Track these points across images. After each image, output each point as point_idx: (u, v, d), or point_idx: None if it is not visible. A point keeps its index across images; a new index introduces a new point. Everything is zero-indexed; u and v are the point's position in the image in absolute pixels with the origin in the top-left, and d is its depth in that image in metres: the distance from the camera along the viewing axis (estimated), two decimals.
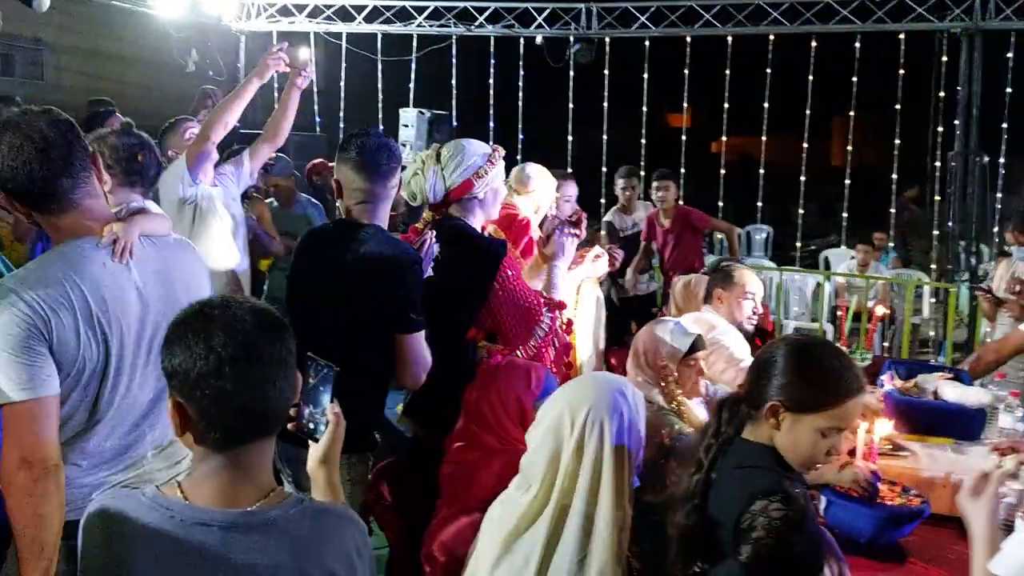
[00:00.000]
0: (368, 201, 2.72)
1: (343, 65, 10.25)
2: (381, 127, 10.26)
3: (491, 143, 3.17)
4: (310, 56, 4.33)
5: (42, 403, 1.88)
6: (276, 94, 4.59)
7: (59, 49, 11.96)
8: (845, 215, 9.93)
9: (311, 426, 1.69)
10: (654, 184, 6.86)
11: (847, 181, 9.68)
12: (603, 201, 9.87)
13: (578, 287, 3.77)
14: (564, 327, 3.22)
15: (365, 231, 2.70)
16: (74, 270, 1.96)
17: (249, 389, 1.43)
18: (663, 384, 2.90)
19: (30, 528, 1.83)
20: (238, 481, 1.47)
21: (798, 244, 10.19)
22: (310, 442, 1.70)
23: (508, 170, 3.54)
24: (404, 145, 9.65)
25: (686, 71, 9.82)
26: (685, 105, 9.98)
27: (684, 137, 10.01)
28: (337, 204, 2.86)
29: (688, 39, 9.55)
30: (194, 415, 1.43)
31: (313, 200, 6.46)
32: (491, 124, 10.19)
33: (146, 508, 1.45)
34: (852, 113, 9.55)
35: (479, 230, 3.10)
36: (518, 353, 2.95)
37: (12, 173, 1.93)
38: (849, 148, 9.85)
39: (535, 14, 9.70)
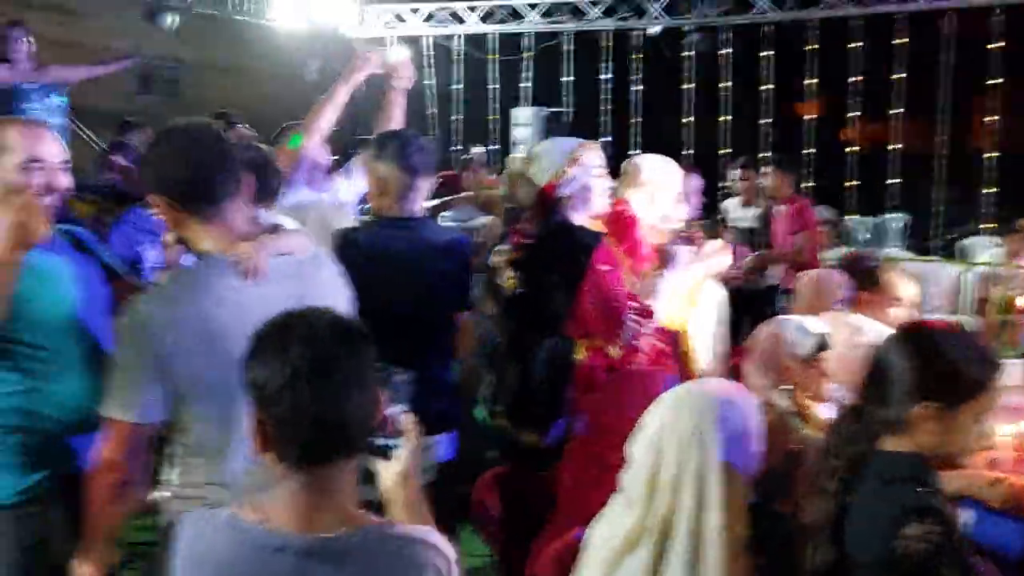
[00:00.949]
0: (410, 197, 2.94)
1: (456, 67, 10.30)
2: (496, 126, 10.31)
3: (604, 138, 3.14)
4: (406, 56, 4.26)
5: (140, 428, 1.93)
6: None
7: (193, 66, 12.49)
8: (990, 200, 9.29)
9: (385, 442, 1.57)
10: (762, 172, 6.59)
11: (990, 164, 9.05)
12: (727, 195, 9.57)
13: (697, 286, 3.57)
14: (659, 334, 3.04)
15: (421, 223, 2.99)
16: (203, 290, 1.97)
17: (325, 402, 1.37)
18: (786, 387, 2.72)
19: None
20: (318, 504, 1.41)
21: (935, 232, 9.61)
22: (382, 460, 1.59)
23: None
24: (517, 144, 9.62)
25: (811, 56, 9.40)
26: (810, 90, 9.54)
27: (808, 126, 9.59)
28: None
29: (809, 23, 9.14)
30: (272, 431, 1.39)
31: None
32: (605, 119, 10.02)
33: (223, 531, 1.41)
34: (993, 90, 8.91)
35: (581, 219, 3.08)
36: (609, 352, 2.83)
37: (172, 175, 1.97)
38: (988, 125, 9.20)
39: (648, 5, 9.48)
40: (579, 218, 3.07)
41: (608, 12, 9.62)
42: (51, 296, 2.34)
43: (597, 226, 3.19)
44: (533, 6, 9.77)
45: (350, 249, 2.83)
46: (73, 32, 10.72)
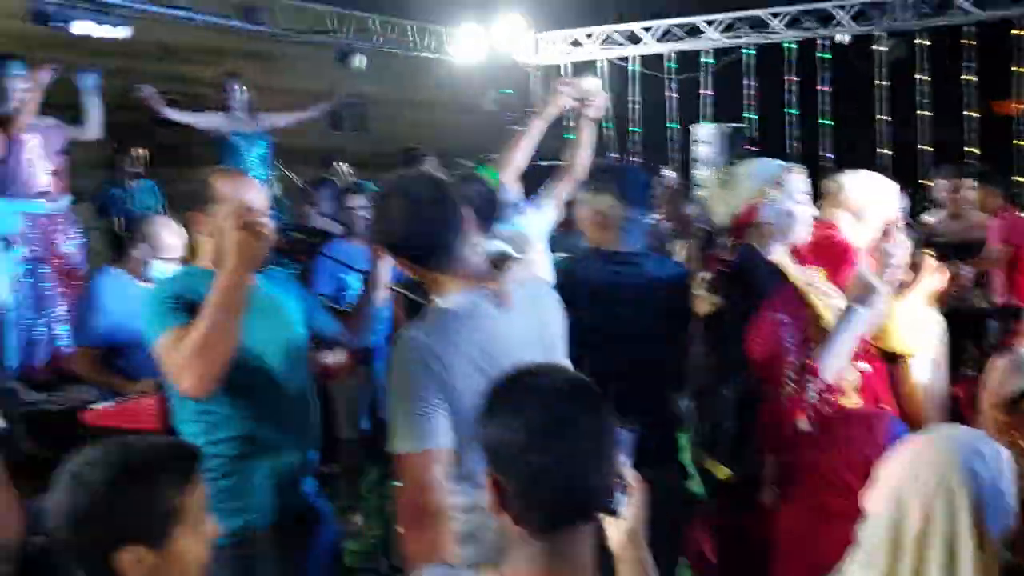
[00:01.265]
0: (630, 231, 2.93)
1: (632, 88, 10.23)
2: (675, 145, 10.15)
3: (789, 153, 2.99)
4: (599, 85, 4.25)
5: (433, 454, 1.93)
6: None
7: (378, 102, 13.06)
8: None
9: (613, 499, 1.51)
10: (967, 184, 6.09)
11: None
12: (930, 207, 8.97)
13: (914, 312, 3.30)
14: (827, 394, 2.79)
15: (642, 256, 2.97)
16: (468, 324, 2.00)
17: (566, 465, 1.34)
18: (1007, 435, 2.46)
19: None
20: (560, 571, 1.37)
21: None
22: (608, 518, 1.54)
23: (817, 185, 3.24)
24: (698, 162, 9.42)
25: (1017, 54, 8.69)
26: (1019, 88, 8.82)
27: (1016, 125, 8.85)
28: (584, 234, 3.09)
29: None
30: (511, 493, 1.36)
31: None
32: (791, 134, 9.66)
33: None
34: None
35: (782, 255, 2.91)
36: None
37: (405, 234, 2.03)
38: None
39: (837, 12, 9.06)
40: (777, 248, 2.91)
41: (792, 23, 9.28)
42: (274, 322, 2.48)
43: (797, 256, 3.03)
44: (711, 22, 9.57)
45: (573, 285, 2.85)
46: (273, 77, 11.44)
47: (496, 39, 9.60)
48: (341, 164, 7.47)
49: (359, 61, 8.32)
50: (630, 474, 1.54)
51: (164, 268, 3.96)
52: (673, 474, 2.92)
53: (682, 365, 2.98)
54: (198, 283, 2.37)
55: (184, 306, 2.30)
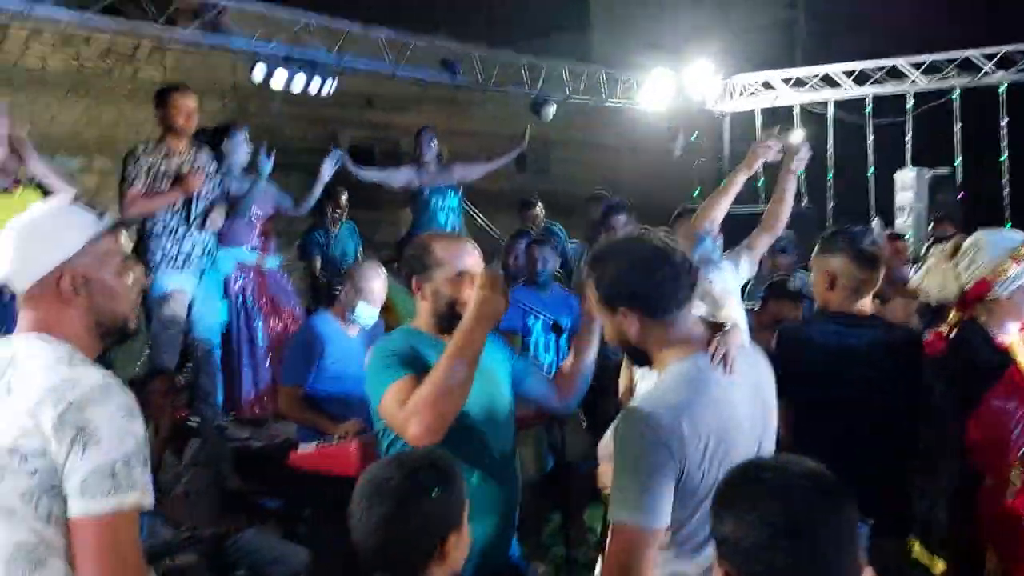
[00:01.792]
0: (861, 291, 2.87)
1: (829, 133, 9.84)
2: (873, 193, 9.67)
3: (1005, 203, 2.77)
4: (803, 138, 4.11)
5: (653, 535, 1.89)
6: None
7: (561, 146, 13.23)
8: None
9: None
10: None
11: None
12: None
13: None
14: None
15: (872, 318, 2.88)
16: (699, 392, 1.96)
17: (808, 565, 1.30)
18: None
19: None
20: None
21: None
22: None
23: None
24: (902, 209, 8.92)
25: None
26: None
27: None
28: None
29: None
30: None
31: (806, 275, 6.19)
32: (1004, 182, 8.97)
33: None
34: None
35: (1015, 336, 2.71)
36: None
37: (640, 286, 2.00)
38: None
39: None
40: (1009, 328, 2.71)
41: (1003, 63, 8.68)
42: (486, 383, 2.51)
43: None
44: (917, 65, 9.09)
45: (801, 346, 2.84)
46: (462, 122, 11.82)
47: (685, 85, 9.49)
48: (537, 207, 7.54)
49: (551, 111, 8.43)
50: (869, 571, 1.50)
51: (368, 313, 4.11)
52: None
53: (915, 435, 2.82)
54: (417, 342, 2.45)
55: (407, 362, 2.37)
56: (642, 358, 2.08)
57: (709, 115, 10.20)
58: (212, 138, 5.50)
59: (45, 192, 4.19)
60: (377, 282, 4.08)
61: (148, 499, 1.53)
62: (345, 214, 7.12)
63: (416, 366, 2.33)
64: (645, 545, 1.86)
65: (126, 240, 1.79)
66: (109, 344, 1.74)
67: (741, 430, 2.01)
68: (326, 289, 6.23)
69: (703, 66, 9.52)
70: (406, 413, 2.23)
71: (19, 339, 1.65)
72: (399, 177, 6.60)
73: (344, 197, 7.34)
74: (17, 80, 7.63)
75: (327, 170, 5.68)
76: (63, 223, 1.69)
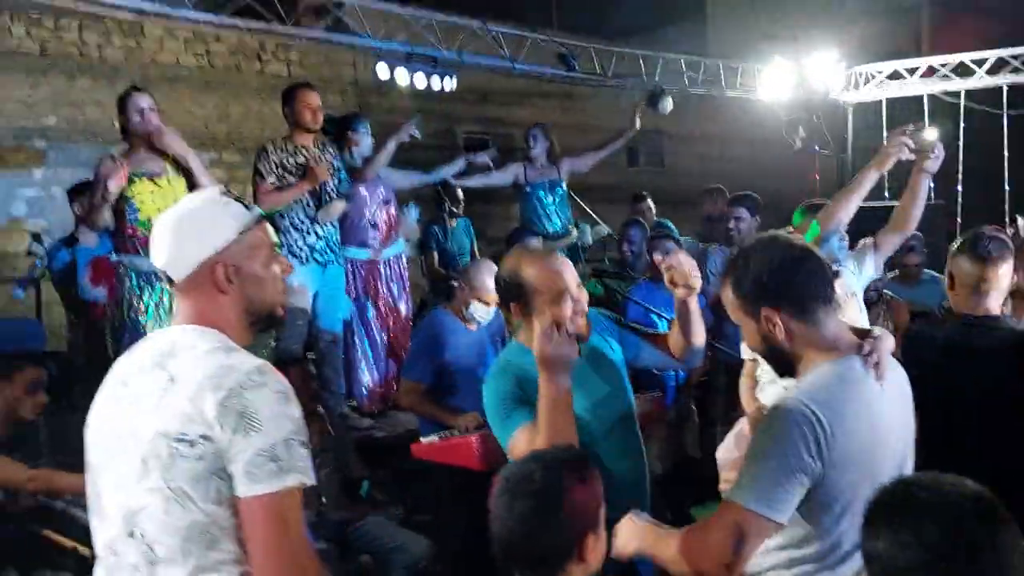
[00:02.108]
0: (982, 291, 2.84)
1: (960, 124, 9.38)
2: (1008, 187, 9.18)
3: None
4: (937, 137, 3.93)
5: (772, 528, 1.85)
6: None
7: (675, 137, 13.06)
8: None
9: None
10: None
11: None
12: None
13: None
14: None
15: (997, 321, 2.82)
16: (851, 396, 1.93)
17: None
18: None
19: None
20: None
21: None
22: None
23: None
24: None
25: None
26: None
27: None
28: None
29: None
30: None
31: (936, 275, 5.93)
32: None
33: None
34: None
35: None
36: None
37: (783, 285, 1.97)
38: None
39: None
40: None
41: None
42: (604, 386, 2.57)
43: None
44: None
45: (926, 347, 2.82)
46: (576, 116, 11.81)
47: (807, 75, 9.20)
48: (647, 200, 7.47)
49: (667, 103, 8.31)
50: None
51: (483, 311, 4.16)
52: None
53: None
54: (526, 364, 2.46)
55: (519, 404, 2.43)
56: (786, 364, 2.02)
57: (831, 106, 9.86)
58: (336, 128, 5.64)
59: (188, 179, 4.42)
60: (490, 280, 4.12)
61: (309, 478, 1.57)
62: (461, 209, 7.20)
63: (528, 404, 2.38)
64: (757, 534, 1.83)
65: (272, 231, 1.82)
66: (257, 332, 1.78)
67: (887, 443, 1.96)
68: (443, 284, 6.31)
69: (827, 55, 9.21)
70: None
71: (176, 330, 1.71)
72: (504, 176, 6.64)
73: (460, 192, 7.43)
74: (152, 76, 8.02)
75: (405, 131, 5.64)
76: (217, 214, 1.73)
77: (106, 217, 4.39)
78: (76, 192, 5.69)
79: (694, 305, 2.61)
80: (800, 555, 1.95)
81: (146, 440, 1.58)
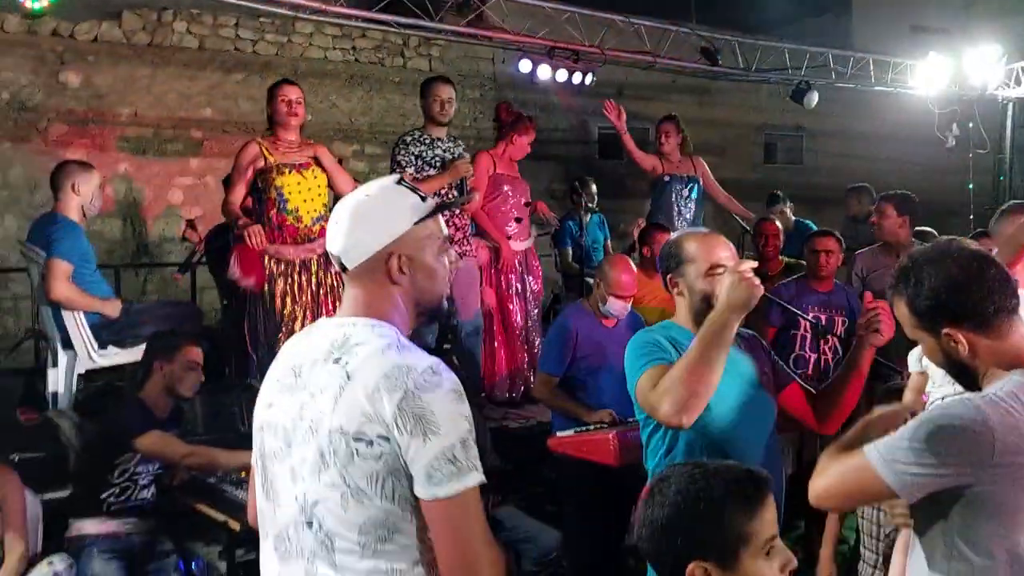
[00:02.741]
0: None
1: None
2: None
3: None
4: None
5: (882, 491, 1.85)
6: None
7: (816, 134, 12.63)
8: None
9: None
10: None
11: None
12: None
13: None
14: None
15: None
16: None
17: None
18: None
19: None
20: None
21: None
22: None
23: None
24: None
25: None
26: None
27: None
28: None
29: None
30: None
31: None
32: None
33: None
34: None
35: None
36: None
37: (964, 299, 1.88)
38: None
39: None
40: None
41: None
42: (748, 388, 2.48)
43: None
44: None
45: None
46: (712, 111, 11.59)
47: (964, 69, 8.72)
48: (785, 202, 7.25)
49: (813, 98, 8.05)
50: None
51: (619, 307, 4.12)
52: None
53: None
54: (676, 334, 2.47)
55: (664, 350, 2.41)
56: (970, 379, 1.92)
57: (989, 102, 9.32)
58: (508, 123, 5.70)
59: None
60: (626, 276, 4.08)
61: (483, 475, 1.57)
62: (596, 203, 7.18)
63: (672, 355, 2.37)
64: (866, 494, 1.88)
65: (443, 223, 1.82)
66: (422, 323, 1.79)
67: None
68: (578, 278, 6.31)
69: (989, 49, 8.69)
70: (658, 392, 2.27)
71: (347, 322, 1.70)
72: (646, 158, 6.55)
73: (594, 187, 7.40)
74: (301, 71, 8.33)
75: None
76: (393, 204, 1.72)
77: (238, 195, 4.60)
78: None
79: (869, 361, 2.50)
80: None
81: (324, 435, 1.59)
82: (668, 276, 2.55)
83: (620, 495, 4.21)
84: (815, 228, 7.29)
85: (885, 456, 1.80)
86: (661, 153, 6.53)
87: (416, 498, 1.57)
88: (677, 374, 2.25)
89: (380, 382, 1.57)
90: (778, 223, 6.04)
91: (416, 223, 1.72)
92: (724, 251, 2.50)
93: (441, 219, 1.80)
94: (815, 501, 1.95)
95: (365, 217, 1.72)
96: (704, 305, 2.42)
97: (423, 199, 1.76)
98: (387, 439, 1.56)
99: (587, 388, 4.09)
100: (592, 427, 3.82)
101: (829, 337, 4.78)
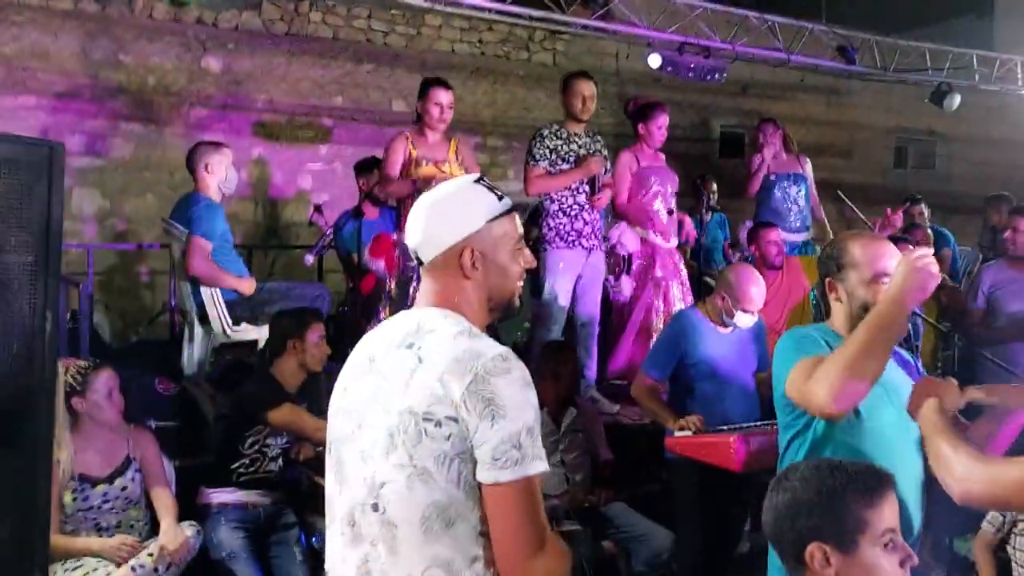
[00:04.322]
0: None
1: None
2: None
3: None
4: None
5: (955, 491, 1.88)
6: None
7: (951, 139, 12.08)
8: None
9: None
10: None
11: None
12: None
13: None
14: None
15: None
16: None
17: None
18: None
19: None
20: None
21: None
22: None
23: None
24: None
25: None
26: None
27: None
28: None
29: None
30: None
31: None
32: None
33: None
34: None
35: None
36: None
37: None
38: None
39: None
40: None
41: None
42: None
43: None
44: None
45: None
46: (840, 112, 11.23)
47: None
48: (921, 205, 6.96)
49: (955, 100, 7.70)
50: None
51: (747, 321, 3.95)
52: None
53: None
54: (831, 339, 2.36)
55: (818, 346, 2.32)
56: None
57: None
58: (633, 115, 5.65)
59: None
60: (755, 287, 3.92)
61: (546, 464, 1.61)
62: (715, 202, 7.08)
63: (827, 352, 2.26)
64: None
65: (519, 224, 1.84)
66: (494, 319, 1.83)
67: None
68: (697, 277, 6.21)
69: None
70: (814, 380, 2.18)
71: (421, 312, 1.76)
72: (755, 160, 6.43)
73: (714, 185, 7.28)
74: (429, 62, 8.46)
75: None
76: (469, 201, 1.77)
77: (392, 190, 4.74)
78: (361, 168, 6.11)
79: None
80: None
81: (394, 416, 1.63)
82: (827, 279, 2.44)
83: (736, 502, 4.13)
84: (950, 236, 7.02)
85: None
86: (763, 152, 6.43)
87: (479, 485, 1.60)
88: (838, 358, 2.16)
89: (450, 365, 1.61)
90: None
91: (490, 221, 1.76)
92: (892, 258, 2.35)
93: (518, 219, 1.83)
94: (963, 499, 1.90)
95: (441, 212, 1.77)
96: (864, 314, 2.29)
97: (500, 198, 1.79)
98: (455, 420, 1.59)
99: (692, 394, 3.97)
100: (713, 429, 3.73)
101: None
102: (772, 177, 6.36)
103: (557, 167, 5.13)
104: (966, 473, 1.84)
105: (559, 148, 5.14)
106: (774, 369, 2.42)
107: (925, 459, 2.45)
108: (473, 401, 1.57)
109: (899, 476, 2.31)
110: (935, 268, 2.16)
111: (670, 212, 5.61)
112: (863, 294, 2.34)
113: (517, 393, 1.60)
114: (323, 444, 3.70)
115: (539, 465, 1.59)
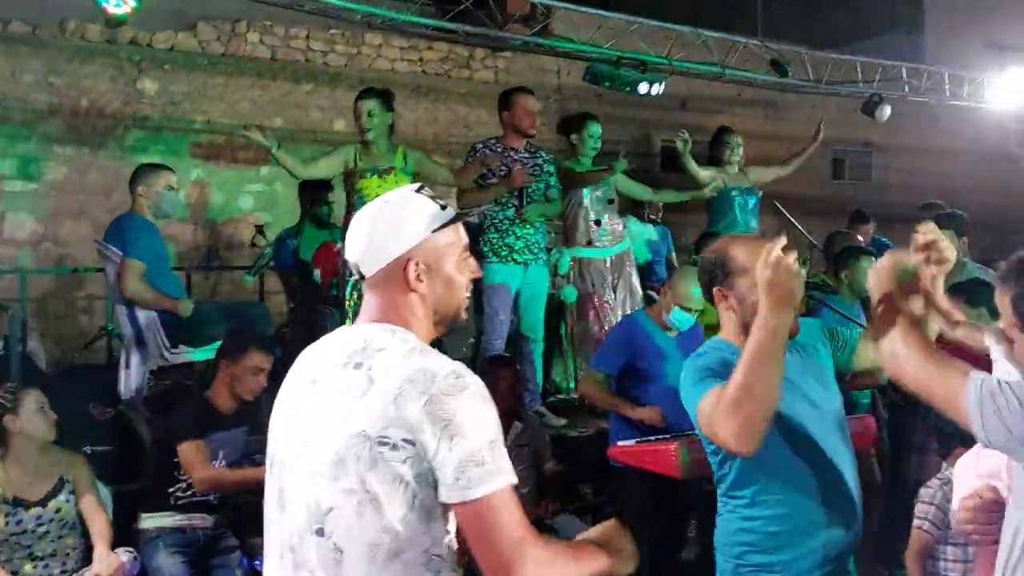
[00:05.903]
0: None
1: None
2: None
3: None
4: None
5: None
6: None
7: (886, 150, 12.37)
8: None
9: None
10: None
11: None
12: None
13: None
14: None
15: None
16: None
17: None
18: None
19: None
20: None
21: None
22: None
23: None
24: None
25: None
26: None
27: None
28: None
29: None
30: None
31: None
32: None
33: None
34: None
35: None
36: None
37: None
38: None
39: None
40: None
41: None
42: (813, 389, 2.41)
43: None
44: None
45: None
46: (778, 126, 11.43)
47: None
48: (870, 224, 7.12)
49: (886, 111, 7.90)
50: None
51: (683, 318, 4.10)
52: None
53: None
54: (727, 355, 2.31)
55: (717, 374, 2.23)
56: None
57: None
58: (566, 127, 5.76)
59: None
60: (694, 286, 4.04)
61: (514, 476, 1.56)
62: (660, 216, 7.15)
63: (727, 377, 2.17)
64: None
65: (464, 233, 1.80)
66: (440, 332, 1.78)
67: None
68: (642, 290, 6.26)
69: None
70: (717, 424, 2.13)
71: (366, 328, 1.70)
72: (704, 175, 6.53)
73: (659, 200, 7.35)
74: (369, 81, 8.41)
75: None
76: (411, 212, 1.71)
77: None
78: (305, 187, 6.06)
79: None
80: None
81: (344, 439, 1.57)
82: (715, 288, 2.38)
83: (679, 508, 4.18)
84: (892, 246, 7.17)
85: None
86: (719, 165, 6.52)
87: (437, 508, 1.56)
88: (729, 398, 2.09)
89: (404, 386, 1.56)
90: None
91: (435, 231, 1.71)
92: None
93: (462, 228, 1.78)
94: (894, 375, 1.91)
95: (382, 224, 1.71)
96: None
97: (443, 208, 1.74)
98: (412, 443, 1.54)
99: (640, 397, 4.08)
100: (655, 438, 3.78)
101: None
102: (726, 192, 6.47)
103: (486, 180, 5.15)
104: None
105: (491, 161, 5.17)
106: (683, 399, 2.37)
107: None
108: (430, 422, 1.53)
109: (834, 462, 2.33)
110: (793, 263, 2.08)
111: (597, 222, 5.70)
112: (755, 298, 2.19)
113: (474, 410, 1.55)
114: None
115: (506, 477, 1.55)
